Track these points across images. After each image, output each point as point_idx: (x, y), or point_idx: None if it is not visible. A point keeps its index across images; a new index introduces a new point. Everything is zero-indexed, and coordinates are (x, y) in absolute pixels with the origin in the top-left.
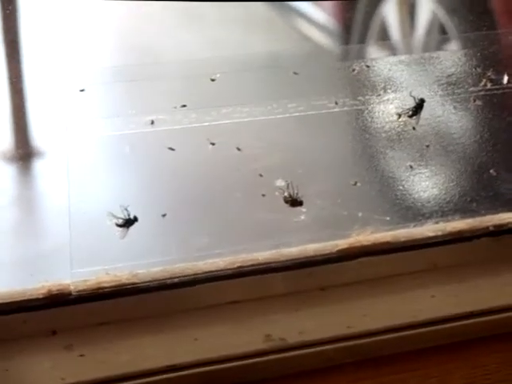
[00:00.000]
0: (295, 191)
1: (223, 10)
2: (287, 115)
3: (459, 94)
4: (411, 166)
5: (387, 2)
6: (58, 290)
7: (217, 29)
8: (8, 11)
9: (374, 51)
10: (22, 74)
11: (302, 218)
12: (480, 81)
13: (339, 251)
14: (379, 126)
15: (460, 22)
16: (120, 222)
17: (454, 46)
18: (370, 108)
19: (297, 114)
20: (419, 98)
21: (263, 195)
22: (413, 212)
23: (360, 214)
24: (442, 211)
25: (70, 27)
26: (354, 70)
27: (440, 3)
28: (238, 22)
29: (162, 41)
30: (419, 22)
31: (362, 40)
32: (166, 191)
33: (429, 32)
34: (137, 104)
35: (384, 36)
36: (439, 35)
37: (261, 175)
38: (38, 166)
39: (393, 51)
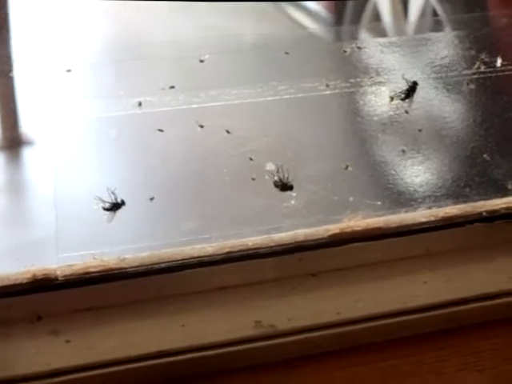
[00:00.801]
0: (285, 175)
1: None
2: (277, 97)
3: (452, 77)
4: (403, 151)
5: None
6: (43, 275)
7: (208, 15)
8: None
9: (365, 33)
10: (9, 56)
11: (293, 202)
12: (473, 63)
13: (330, 236)
14: (371, 109)
15: (452, 5)
16: (107, 205)
17: (446, 29)
18: (361, 91)
19: (287, 96)
20: (412, 80)
21: (253, 179)
22: (405, 197)
23: (351, 199)
24: (435, 196)
25: (57, 10)
26: (345, 52)
27: None
28: (229, 9)
29: (151, 26)
30: (411, 6)
31: (355, 23)
32: (154, 174)
33: (422, 15)
34: (124, 85)
35: (376, 24)
36: (432, 18)
37: (251, 159)
38: (25, 150)
39: (385, 33)
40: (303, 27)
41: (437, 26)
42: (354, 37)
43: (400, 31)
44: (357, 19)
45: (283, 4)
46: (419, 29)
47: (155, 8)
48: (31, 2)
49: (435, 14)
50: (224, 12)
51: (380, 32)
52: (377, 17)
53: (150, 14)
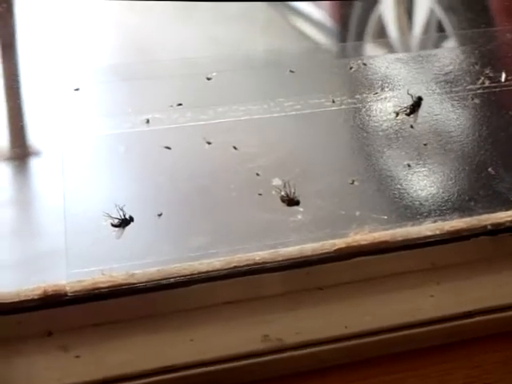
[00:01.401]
0: (292, 190)
1: (222, 8)
2: (284, 114)
3: (457, 92)
4: (409, 165)
5: (385, 0)
6: (53, 291)
7: (215, 26)
8: (2, 9)
9: (371, 49)
10: (17, 74)
11: (299, 217)
12: (478, 78)
13: (337, 250)
14: (377, 124)
15: (457, 20)
16: (116, 222)
17: (451, 44)
18: (367, 106)
19: (294, 112)
20: (417, 96)
21: (260, 194)
22: (411, 211)
23: (358, 213)
24: (440, 210)
25: (65, 26)
26: (351, 68)
27: (437, 1)
28: (237, 19)
29: (159, 38)
30: (417, 20)
31: (360, 38)
32: (162, 191)
33: (426, 29)
34: (132, 103)
35: (381, 34)
36: (437, 33)
37: (257, 174)
38: (34, 166)
39: (390, 49)
40: (308, 38)
41: (441, 42)
42: (359, 53)
43: (405, 47)
44: (362, 29)
45: (288, 14)
46: (424, 44)
47: (162, 17)
48: (37, 17)
49: (440, 25)
50: (229, 21)
51: (386, 47)
52: (381, 27)
53: (157, 24)
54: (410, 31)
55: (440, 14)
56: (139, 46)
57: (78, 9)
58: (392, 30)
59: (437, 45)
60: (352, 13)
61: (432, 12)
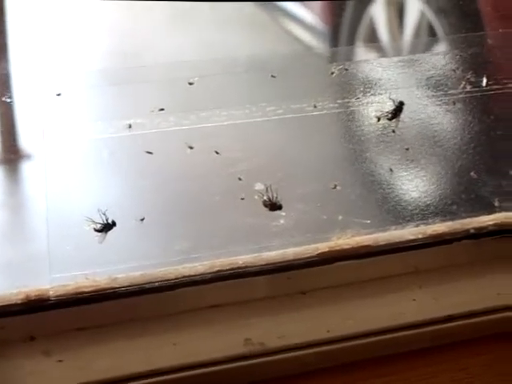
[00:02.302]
0: (274, 195)
1: (214, 11)
2: (266, 118)
3: (439, 97)
4: (391, 169)
5: (375, 2)
6: (36, 296)
7: (205, 29)
8: None
9: (355, 54)
10: (1, 78)
11: (282, 221)
12: (459, 83)
13: (319, 255)
14: (358, 129)
15: (447, 23)
16: (98, 226)
17: (434, 49)
18: (349, 111)
19: (276, 117)
20: (398, 100)
21: (242, 199)
22: (393, 215)
23: (340, 218)
24: (423, 214)
25: (54, 29)
26: (332, 73)
27: (428, 3)
28: (227, 22)
29: (148, 42)
30: (407, 23)
31: (350, 40)
32: (145, 195)
33: (417, 32)
34: (114, 108)
35: (372, 36)
36: (422, 38)
37: (240, 179)
38: (16, 171)
39: (374, 54)
40: (299, 42)
41: (425, 46)
42: (343, 57)
43: (389, 51)
44: (353, 32)
45: (281, 17)
46: (407, 49)
47: (153, 20)
48: (27, 20)
49: (431, 28)
50: (222, 25)
51: (370, 52)
52: (373, 30)
53: (148, 28)
54: (401, 34)
55: (431, 16)
56: (127, 50)
57: (68, 12)
58: (383, 33)
59: (420, 50)
60: (344, 15)
61: (423, 15)
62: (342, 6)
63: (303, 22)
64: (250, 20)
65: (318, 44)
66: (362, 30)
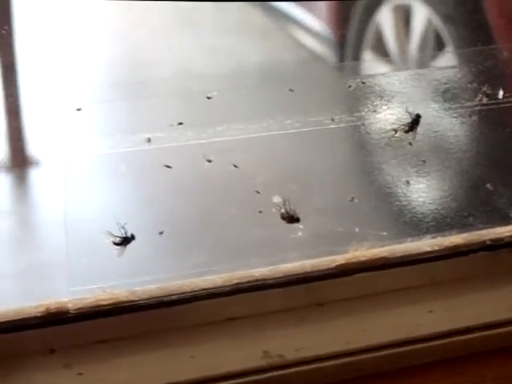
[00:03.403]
0: (292, 208)
1: (221, 17)
2: (283, 132)
3: (455, 109)
4: (408, 182)
5: (382, 9)
6: (56, 309)
7: (214, 37)
8: (4, 31)
9: (369, 67)
10: (20, 95)
11: (300, 234)
12: (476, 96)
13: (337, 267)
14: (376, 141)
15: (455, 30)
16: (117, 240)
17: (449, 61)
18: (366, 124)
19: (293, 130)
20: (415, 113)
21: (260, 212)
22: (410, 227)
23: (357, 230)
24: (439, 226)
25: (64, 42)
26: (350, 87)
27: (435, 11)
28: (234, 28)
29: (159, 51)
30: (414, 30)
31: (357, 48)
32: (163, 209)
33: (424, 41)
34: (133, 122)
35: (379, 44)
36: (435, 51)
37: (258, 192)
38: (36, 184)
39: (389, 66)
40: (307, 50)
41: (439, 59)
42: (358, 70)
43: (403, 63)
44: (359, 40)
45: (287, 24)
46: (422, 61)
47: (162, 29)
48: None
49: (439, 39)
50: (228, 31)
51: (384, 64)
52: (380, 39)
53: (157, 36)
54: (408, 42)
55: (438, 24)
56: (139, 60)
57: (81, 27)
58: (389, 40)
59: (435, 62)
60: (351, 23)
61: (430, 22)
62: (348, 12)
63: (309, 29)
64: (257, 27)
65: (325, 52)
66: (369, 38)
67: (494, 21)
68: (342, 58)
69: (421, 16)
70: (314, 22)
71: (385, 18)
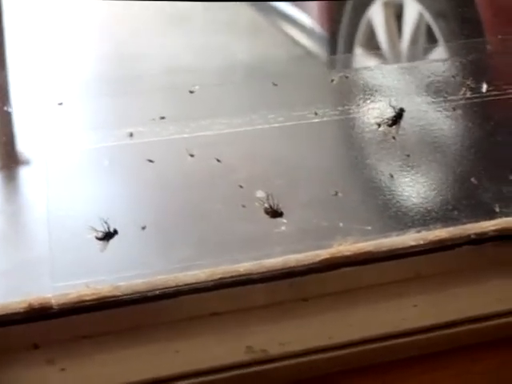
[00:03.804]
0: (275, 202)
1: (212, 15)
2: (267, 126)
3: (439, 103)
4: (392, 176)
5: (374, 5)
6: (39, 304)
7: (203, 33)
8: None
9: (354, 61)
10: (2, 89)
11: (283, 228)
12: (459, 89)
13: (321, 261)
14: (359, 135)
15: (447, 28)
16: (100, 235)
17: (433, 55)
18: (349, 118)
19: (277, 124)
20: (399, 107)
21: (243, 206)
22: (394, 221)
23: (341, 224)
24: (424, 220)
25: (51, 36)
26: (333, 81)
27: (427, 6)
28: (225, 25)
29: (146, 47)
30: (406, 26)
31: (349, 44)
32: (146, 203)
33: (416, 36)
34: (115, 117)
35: (371, 40)
36: (421, 43)
37: (241, 186)
38: (18, 179)
39: (374, 61)
40: (296, 46)
41: (424, 53)
42: (342, 64)
43: (388, 57)
44: (351, 35)
45: (278, 20)
46: (407, 55)
47: (151, 25)
48: (24, 28)
49: (430, 33)
50: (219, 29)
51: (369, 58)
52: (371, 34)
53: (146, 33)
54: (399, 38)
55: (429, 19)
56: (125, 55)
57: (64, 21)
58: (381, 36)
59: (420, 56)
60: (342, 19)
61: (421, 17)
62: (339, 9)
63: (301, 26)
64: (248, 24)
65: (316, 48)
66: (361, 34)
67: (483, 15)
68: (333, 55)
69: (412, 11)
70: (306, 18)
71: (376, 14)
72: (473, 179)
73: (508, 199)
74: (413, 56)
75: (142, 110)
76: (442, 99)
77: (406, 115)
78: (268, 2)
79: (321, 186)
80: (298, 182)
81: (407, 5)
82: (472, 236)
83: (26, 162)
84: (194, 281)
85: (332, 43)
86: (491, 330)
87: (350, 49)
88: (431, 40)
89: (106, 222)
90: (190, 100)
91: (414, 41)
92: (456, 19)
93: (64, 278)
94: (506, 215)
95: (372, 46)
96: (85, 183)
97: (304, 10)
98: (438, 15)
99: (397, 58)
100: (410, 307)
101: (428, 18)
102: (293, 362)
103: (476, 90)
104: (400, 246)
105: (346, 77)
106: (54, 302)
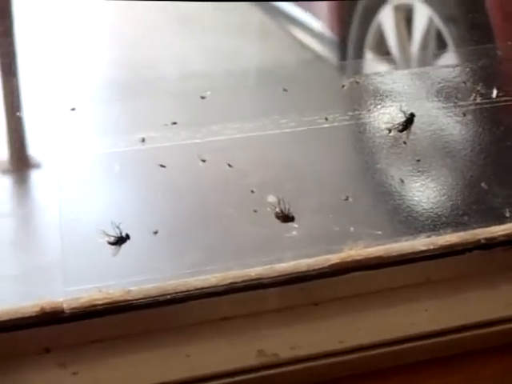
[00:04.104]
0: (287, 207)
1: (220, 17)
2: (278, 131)
3: (449, 108)
4: (402, 181)
5: (384, 9)
6: (51, 308)
7: (213, 38)
8: (2, 28)
9: (364, 66)
10: (15, 94)
11: (294, 233)
12: (470, 95)
13: (331, 266)
14: (370, 141)
15: (457, 33)
16: (112, 239)
17: (443, 61)
18: (360, 123)
19: (288, 129)
20: (409, 112)
21: (255, 211)
22: (405, 226)
23: (352, 229)
24: (434, 225)
25: (63, 41)
26: (343, 86)
27: (436, 11)
28: (235, 29)
29: (157, 52)
30: (416, 30)
31: (359, 48)
32: (158, 208)
33: (426, 41)
34: (127, 122)
35: (381, 45)
36: (431, 49)
37: (252, 191)
38: (31, 183)
39: (384, 66)
40: (306, 51)
41: (434, 58)
42: (353, 70)
43: (398, 63)
44: (361, 40)
45: (288, 25)
46: (417, 61)
47: (161, 28)
48: (36, 32)
49: (440, 38)
50: (227, 33)
51: (379, 64)
52: (381, 39)
53: (156, 36)
54: (410, 43)
55: (439, 23)
56: (136, 59)
57: (75, 26)
58: (391, 40)
59: (430, 61)
60: (352, 23)
61: (431, 21)
62: (349, 13)
63: (311, 30)
64: (258, 28)
65: (327, 53)
66: (371, 38)
67: (493, 20)
68: (342, 59)
69: (422, 16)
70: (315, 22)
71: (386, 18)
72: (483, 184)
73: None
74: (423, 61)
75: (154, 116)
76: (452, 104)
77: (416, 120)
78: (277, 5)
79: (332, 191)
80: (308, 186)
81: (417, 9)
82: (482, 241)
83: (38, 166)
84: (204, 285)
85: (342, 47)
86: (501, 335)
87: (359, 53)
88: (441, 44)
89: (118, 227)
90: (202, 105)
91: (423, 45)
92: (466, 24)
93: (76, 283)
94: None
95: (382, 50)
96: (97, 188)
97: (313, 13)
98: (448, 20)
99: (407, 63)
100: (420, 312)
101: (438, 22)
102: (303, 366)
103: (486, 95)
104: (410, 251)
105: (357, 82)
106: (65, 306)
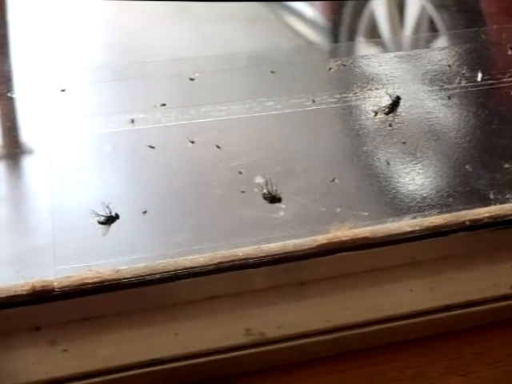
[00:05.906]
0: (274, 188)
1: (216, 7)
2: (265, 113)
3: (435, 92)
4: (388, 163)
5: None
6: (41, 287)
7: (208, 25)
8: None
9: (354, 49)
10: (5, 74)
11: (281, 214)
12: (455, 78)
13: (318, 246)
14: (356, 123)
15: (449, 18)
16: (102, 219)
17: (434, 44)
18: (346, 106)
19: (275, 112)
20: (395, 95)
21: (243, 192)
22: (391, 207)
23: (338, 210)
24: (420, 206)
25: (54, 25)
26: (330, 69)
27: None
28: (227, 16)
29: (148, 37)
30: (408, 17)
31: (351, 35)
32: (147, 189)
33: (417, 27)
34: (117, 103)
35: (373, 31)
36: (421, 33)
37: (240, 172)
38: (21, 165)
39: (373, 49)
40: (298, 37)
41: (422, 42)
42: (341, 53)
43: (386, 47)
44: (354, 27)
45: (282, 12)
46: (406, 44)
47: (153, 15)
48: (27, 17)
49: (432, 25)
50: (220, 18)
51: (368, 47)
52: (374, 26)
53: (148, 23)
54: (401, 29)
55: (431, 11)
56: (128, 45)
57: (68, 9)
58: (383, 27)
59: (418, 45)
60: (344, 10)
61: (423, 9)
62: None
63: (304, 17)
64: (250, 14)
65: (318, 39)
66: (363, 25)
67: (485, 6)
68: (327, 49)
69: (414, 2)
70: (308, 9)
71: (379, 5)
72: (468, 167)
73: (502, 186)
74: (410, 45)
75: (143, 97)
76: (437, 88)
77: (402, 103)
78: None
79: (318, 173)
80: (296, 168)
81: None
82: (467, 223)
83: (28, 148)
84: (193, 265)
85: (334, 34)
86: (485, 314)
87: (351, 39)
88: (433, 31)
89: (107, 207)
90: (191, 87)
91: (415, 32)
92: (458, 10)
93: (66, 261)
94: (501, 202)
95: (374, 36)
96: (87, 169)
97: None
98: (440, 6)
99: (394, 46)
100: (406, 291)
101: (430, 9)
102: (290, 344)
103: (471, 78)
104: (396, 232)
105: (344, 65)
106: (56, 284)
